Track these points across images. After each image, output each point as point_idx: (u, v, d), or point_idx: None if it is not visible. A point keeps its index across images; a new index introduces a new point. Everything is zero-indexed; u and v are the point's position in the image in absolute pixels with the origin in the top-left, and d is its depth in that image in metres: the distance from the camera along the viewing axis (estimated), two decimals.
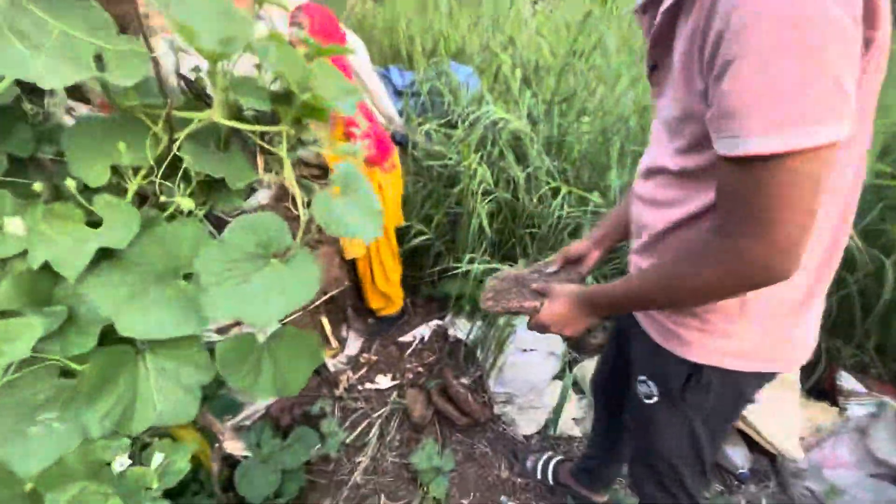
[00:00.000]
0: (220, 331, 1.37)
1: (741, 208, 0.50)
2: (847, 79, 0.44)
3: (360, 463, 1.37)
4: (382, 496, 1.29)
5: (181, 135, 0.82)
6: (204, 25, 0.69)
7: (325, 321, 1.81)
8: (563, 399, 1.45)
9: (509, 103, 1.95)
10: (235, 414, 1.38)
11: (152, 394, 0.87)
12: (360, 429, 1.50)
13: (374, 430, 1.49)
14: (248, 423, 1.46)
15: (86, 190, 0.87)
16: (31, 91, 0.85)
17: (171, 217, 0.93)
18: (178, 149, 0.83)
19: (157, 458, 0.87)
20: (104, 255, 0.79)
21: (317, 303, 1.74)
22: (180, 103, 0.87)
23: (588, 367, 1.64)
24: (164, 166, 0.86)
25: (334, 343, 1.83)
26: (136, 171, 0.86)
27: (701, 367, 0.71)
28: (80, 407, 0.83)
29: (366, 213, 1.01)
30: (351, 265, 1.96)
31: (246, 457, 1.10)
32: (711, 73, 0.48)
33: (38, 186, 0.80)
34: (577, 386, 1.67)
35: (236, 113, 0.86)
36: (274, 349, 0.96)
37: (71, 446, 0.80)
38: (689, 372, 0.72)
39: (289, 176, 0.93)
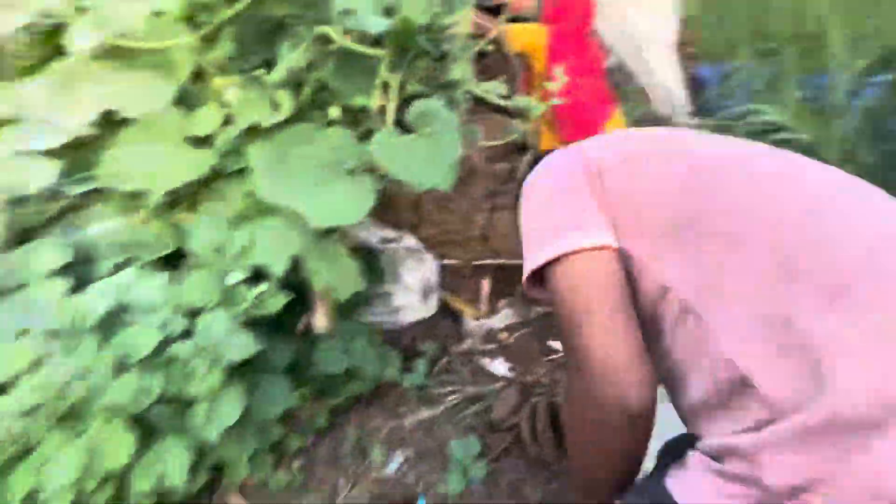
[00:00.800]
0: (385, 241, 1.59)
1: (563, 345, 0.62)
2: (578, 217, 0.59)
3: (418, 414, 1.40)
4: (410, 452, 1.29)
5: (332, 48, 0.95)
6: None
7: (485, 283, 1.82)
8: None
9: None
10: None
11: (269, 240, 1.11)
12: (438, 389, 1.50)
13: (451, 399, 1.46)
14: (394, 328, 1.67)
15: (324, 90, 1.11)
16: None
17: (331, 122, 1.11)
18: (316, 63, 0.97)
19: (257, 290, 1.13)
20: (269, 133, 1.03)
21: (484, 262, 1.75)
22: None
23: None
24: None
25: (483, 307, 1.82)
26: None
27: None
28: None
29: (434, 160, 0.93)
30: None
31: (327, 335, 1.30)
32: None
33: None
34: None
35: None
36: (338, 252, 1.06)
37: None
38: None
39: (392, 97, 0.95)
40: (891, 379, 0.41)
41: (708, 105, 2.05)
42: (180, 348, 0.97)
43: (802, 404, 0.43)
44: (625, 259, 0.57)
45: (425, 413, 1.42)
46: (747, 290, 0.48)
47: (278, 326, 1.28)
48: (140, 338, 0.93)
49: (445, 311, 1.76)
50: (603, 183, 0.60)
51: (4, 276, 1.02)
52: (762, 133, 1.31)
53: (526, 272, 0.60)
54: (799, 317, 0.45)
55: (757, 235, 0.49)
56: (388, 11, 0.84)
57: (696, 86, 2.44)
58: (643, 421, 0.51)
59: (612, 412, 0.51)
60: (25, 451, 0.84)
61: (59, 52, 1.24)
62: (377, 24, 0.79)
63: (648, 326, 0.56)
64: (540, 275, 0.60)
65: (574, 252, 0.55)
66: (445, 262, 1.70)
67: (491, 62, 1.97)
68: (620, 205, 0.58)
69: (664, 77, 1.86)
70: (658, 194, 0.57)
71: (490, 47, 1.15)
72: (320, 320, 1.26)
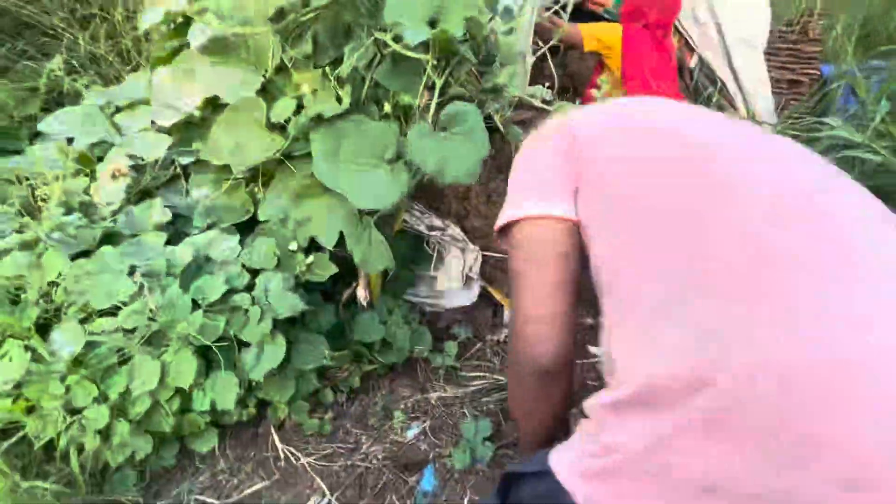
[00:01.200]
0: (432, 228, 1.69)
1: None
2: (543, 185, 0.65)
3: (437, 393, 1.50)
4: (429, 424, 1.39)
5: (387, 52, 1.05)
6: None
7: None
8: None
9: None
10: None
11: (323, 216, 1.27)
12: (467, 373, 1.58)
13: (477, 384, 1.54)
14: (437, 310, 1.79)
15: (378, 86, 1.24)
16: None
17: (385, 116, 1.23)
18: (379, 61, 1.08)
19: (309, 259, 1.30)
20: (330, 123, 1.17)
21: None
22: None
23: None
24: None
25: None
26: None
27: None
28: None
29: (464, 154, 1.00)
30: None
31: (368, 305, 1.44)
32: None
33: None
34: None
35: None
36: (372, 232, 1.18)
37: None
38: None
39: (434, 97, 1.03)
40: (698, 357, 0.43)
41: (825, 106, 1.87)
42: (241, 299, 1.16)
43: (630, 376, 0.47)
44: (583, 230, 0.60)
45: (450, 392, 1.52)
46: (643, 275, 0.52)
47: (326, 294, 1.45)
48: (211, 286, 1.14)
49: (486, 301, 1.83)
50: (581, 156, 0.62)
51: (125, 225, 1.30)
52: (830, 148, 1.16)
53: (495, 228, 0.68)
54: (686, 302, 0.47)
55: (678, 229, 0.51)
56: (432, 23, 0.92)
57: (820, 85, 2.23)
58: (552, 378, 0.57)
59: (526, 364, 0.57)
60: (123, 361, 1.09)
61: (186, 44, 1.50)
62: (416, 35, 0.88)
63: (598, 297, 0.59)
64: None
65: (524, 218, 0.61)
66: (490, 254, 1.76)
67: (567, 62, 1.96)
68: (590, 181, 0.61)
69: (751, 81, 1.73)
70: (623, 178, 0.58)
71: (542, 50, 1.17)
72: (363, 293, 1.41)
